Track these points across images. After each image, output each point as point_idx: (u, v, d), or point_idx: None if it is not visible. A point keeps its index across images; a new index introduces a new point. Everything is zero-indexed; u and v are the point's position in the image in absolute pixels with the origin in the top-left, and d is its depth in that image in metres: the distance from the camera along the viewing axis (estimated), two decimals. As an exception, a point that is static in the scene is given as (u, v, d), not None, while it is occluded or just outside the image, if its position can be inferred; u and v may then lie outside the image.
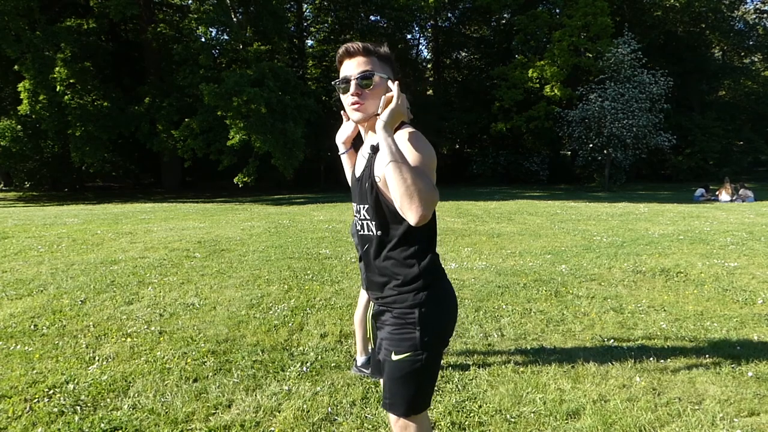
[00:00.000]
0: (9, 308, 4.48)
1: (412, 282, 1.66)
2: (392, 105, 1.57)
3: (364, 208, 1.72)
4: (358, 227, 1.78)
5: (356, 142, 2.08)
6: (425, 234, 1.67)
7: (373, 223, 1.69)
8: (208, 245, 7.53)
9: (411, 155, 1.54)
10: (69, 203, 16.91)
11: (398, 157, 1.47)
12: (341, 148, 2.08)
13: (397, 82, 1.64)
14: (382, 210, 1.66)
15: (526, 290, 5.04)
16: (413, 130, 1.64)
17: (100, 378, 3.10)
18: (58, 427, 2.58)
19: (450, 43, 29.88)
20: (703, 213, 11.67)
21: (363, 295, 3.19)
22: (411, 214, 1.44)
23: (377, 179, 1.64)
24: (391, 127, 1.56)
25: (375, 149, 1.66)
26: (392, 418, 1.73)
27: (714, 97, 31.04)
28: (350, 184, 1.92)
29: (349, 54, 1.67)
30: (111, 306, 4.57)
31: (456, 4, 27.79)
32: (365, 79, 1.64)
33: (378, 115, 1.61)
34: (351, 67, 1.67)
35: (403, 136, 1.61)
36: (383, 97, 1.62)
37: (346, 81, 1.67)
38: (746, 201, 15.17)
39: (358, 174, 1.78)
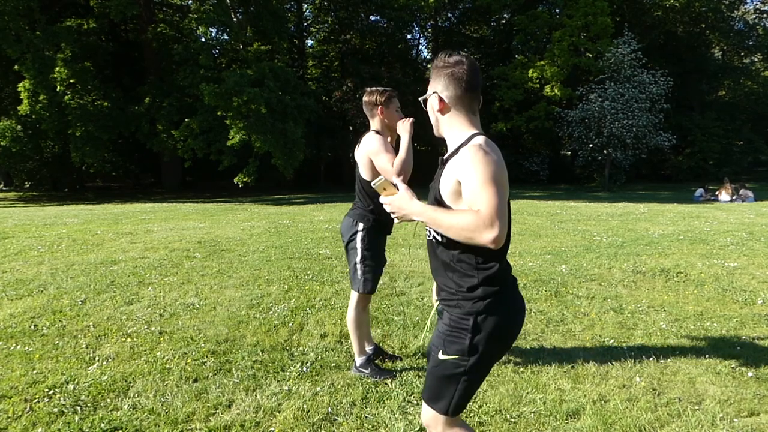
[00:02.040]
0: (9, 308, 4.48)
1: (471, 291, 1.67)
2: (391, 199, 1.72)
3: None
4: (427, 231, 1.81)
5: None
6: None
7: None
8: (208, 245, 7.53)
9: (468, 181, 1.56)
10: (69, 203, 16.91)
11: (433, 220, 1.59)
12: None
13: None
14: None
15: (526, 290, 5.04)
16: (477, 145, 1.60)
17: (100, 378, 3.10)
18: (58, 427, 2.58)
19: (450, 43, 29.80)
20: (703, 213, 11.67)
21: (353, 295, 3.17)
22: (485, 245, 1.50)
23: (441, 192, 1.68)
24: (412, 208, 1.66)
25: (443, 161, 1.71)
26: (425, 405, 1.77)
27: (714, 97, 31.01)
28: None
29: None
30: (111, 306, 4.58)
31: (456, 4, 27.77)
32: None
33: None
34: None
35: (464, 157, 1.60)
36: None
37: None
38: (746, 201, 15.17)
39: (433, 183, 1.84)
